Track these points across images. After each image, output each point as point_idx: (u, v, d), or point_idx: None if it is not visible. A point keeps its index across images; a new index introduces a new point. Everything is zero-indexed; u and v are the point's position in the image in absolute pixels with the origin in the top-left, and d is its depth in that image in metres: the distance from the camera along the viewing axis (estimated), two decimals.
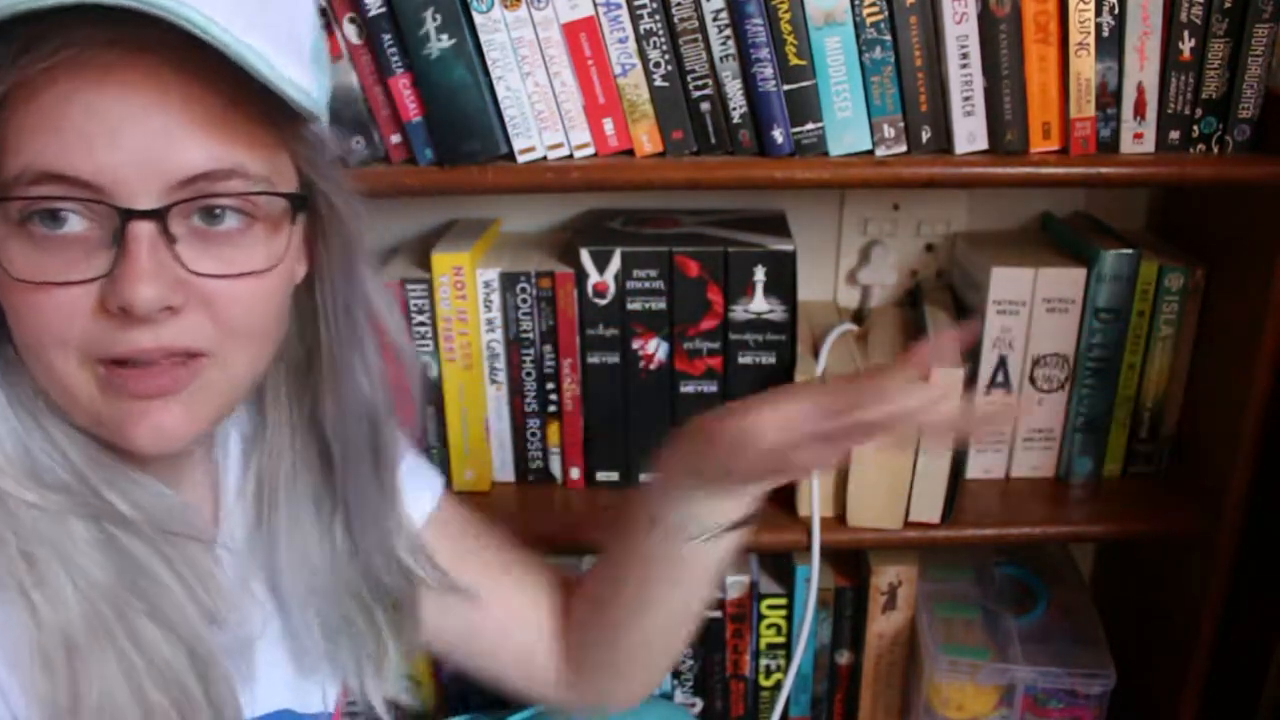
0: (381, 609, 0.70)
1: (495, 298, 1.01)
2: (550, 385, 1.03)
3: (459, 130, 0.85)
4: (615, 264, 0.99)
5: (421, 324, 1.00)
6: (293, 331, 0.63)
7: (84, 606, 0.53)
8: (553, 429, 1.05)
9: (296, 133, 0.57)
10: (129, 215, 0.50)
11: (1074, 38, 0.85)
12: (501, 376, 1.03)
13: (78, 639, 0.53)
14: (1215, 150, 0.89)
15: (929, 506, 0.99)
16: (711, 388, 1.02)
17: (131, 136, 0.49)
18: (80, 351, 0.52)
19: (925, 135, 0.87)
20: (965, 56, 0.85)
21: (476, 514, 0.82)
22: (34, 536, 0.53)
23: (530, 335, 1.01)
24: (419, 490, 0.77)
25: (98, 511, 0.55)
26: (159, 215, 0.50)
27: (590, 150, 0.87)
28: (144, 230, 0.50)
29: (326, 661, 0.69)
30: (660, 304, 1.00)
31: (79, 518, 0.55)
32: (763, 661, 1.14)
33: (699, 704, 1.16)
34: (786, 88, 0.85)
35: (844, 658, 1.15)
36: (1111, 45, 0.86)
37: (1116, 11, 0.85)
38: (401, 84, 0.85)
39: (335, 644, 0.69)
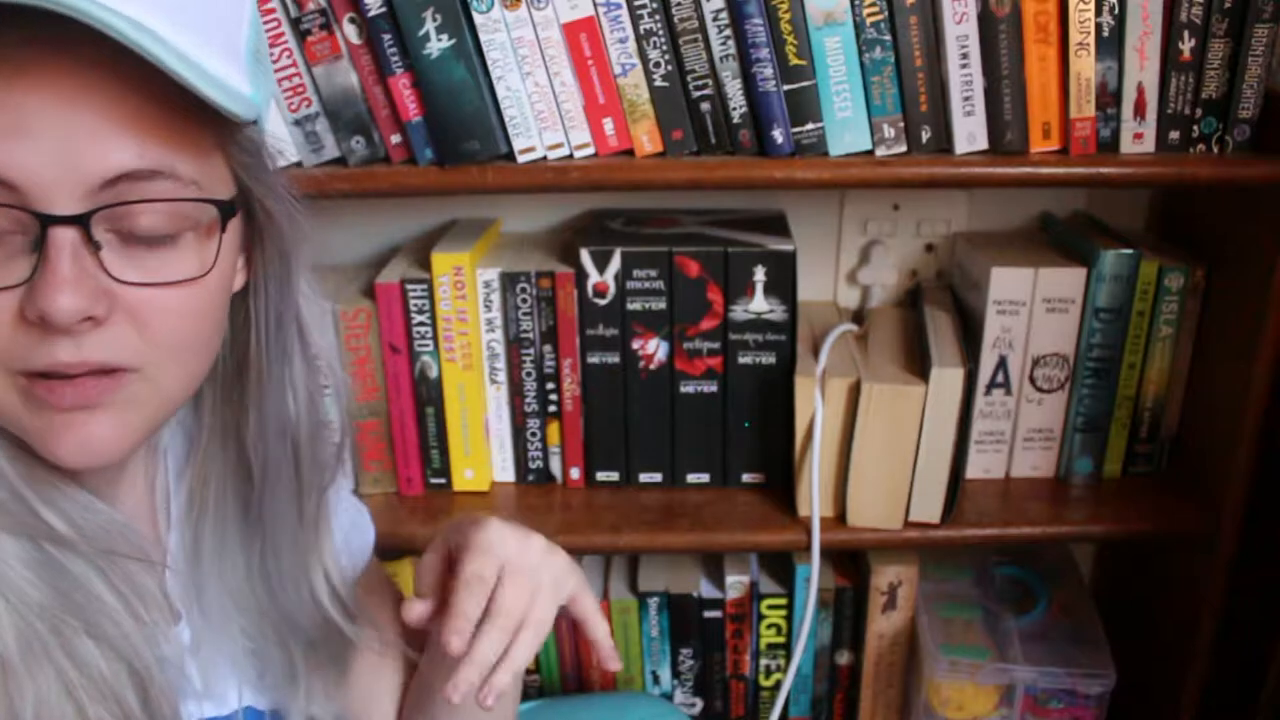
0: (297, 643, 0.67)
1: (495, 298, 1.01)
2: (550, 385, 1.03)
3: (459, 130, 0.85)
4: (615, 264, 0.99)
5: (421, 324, 1.00)
6: (226, 340, 0.61)
7: (18, 625, 0.52)
8: (553, 429, 1.05)
9: (233, 136, 0.54)
10: (49, 221, 0.47)
11: (1074, 38, 0.85)
12: (501, 376, 1.03)
13: (12, 658, 0.51)
14: (1215, 150, 0.89)
15: (929, 506, 0.99)
16: (711, 388, 1.03)
17: (48, 132, 0.46)
18: (1, 364, 0.49)
19: (925, 135, 0.87)
20: (965, 56, 0.85)
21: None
22: None
23: (530, 335, 1.01)
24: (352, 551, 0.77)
25: (33, 530, 0.53)
26: (81, 221, 0.47)
27: (590, 150, 0.87)
28: (65, 236, 0.47)
29: (256, 675, 0.67)
30: (660, 304, 1.00)
31: (12, 536, 0.53)
32: (763, 661, 1.14)
33: (699, 704, 1.16)
34: (786, 88, 0.85)
35: (844, 658, 1.15)
36: (1111, 45, 0.86)
37: (1116, 11, 0.85)
38: (401, 84, 0.85)
39: (261, 661, 0.67)
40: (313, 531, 0.67)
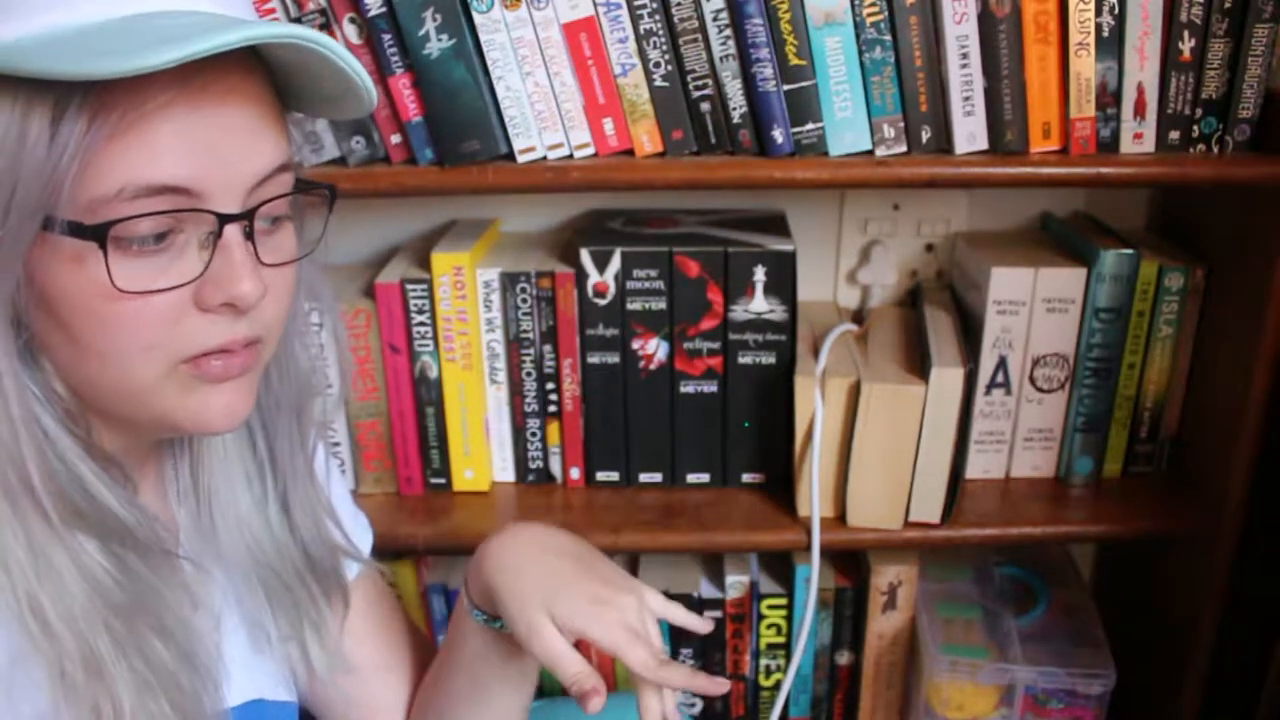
0: (315, 578, 0.72)
1: (495, 298, 1.01)
2: (550, 385, 1.03)
3: (459, 130, 0.85)
4: (615, 264, 0.99)
5: (421, 324, 1.00)
6: None
7: (108, 626, 0.55)
8: (553, 429, 1.05)
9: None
10: (226, 219, 0.53)
11: (1074, 38, 0.85)
12: (501, 376, 1.03)
13: (104, 659, 0.54)
14: (1215, 150, 0.89)
15: (929, 506, 0.99)
16: (711, 388, 1.03)
17: (221, 146, 0.52)
18: (168, 354, 0.54)
19: (925, 135, 0.87)
20: (965, 56, 0.85)
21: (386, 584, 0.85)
22: (56, 561, 0.54)
23: (530, 335, 1.01)
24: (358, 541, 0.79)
25: (112, 532, 0.56)
26: (249, 217, 0.54)
27: (590, 150, 0.87)
28: (237, 232, 0.54)
29: (275, 630, 0.70)
30: (660, 304, 1.00)
31: (95, 539, 0.56)
32: (763, 661, 1.14)
33: (699, 704, 1.16)
34: (786, 88, 0.85)
35: (844, 658, 1.15)
36: (1111, 45, 0.86)
37: (1116, 11, 0.85)
38: (401, 84, 0.85)
39: (277, 611, 0.70)
40: (315, 472, 0.72)
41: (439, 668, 0.80)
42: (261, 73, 0.55)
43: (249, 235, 0.54)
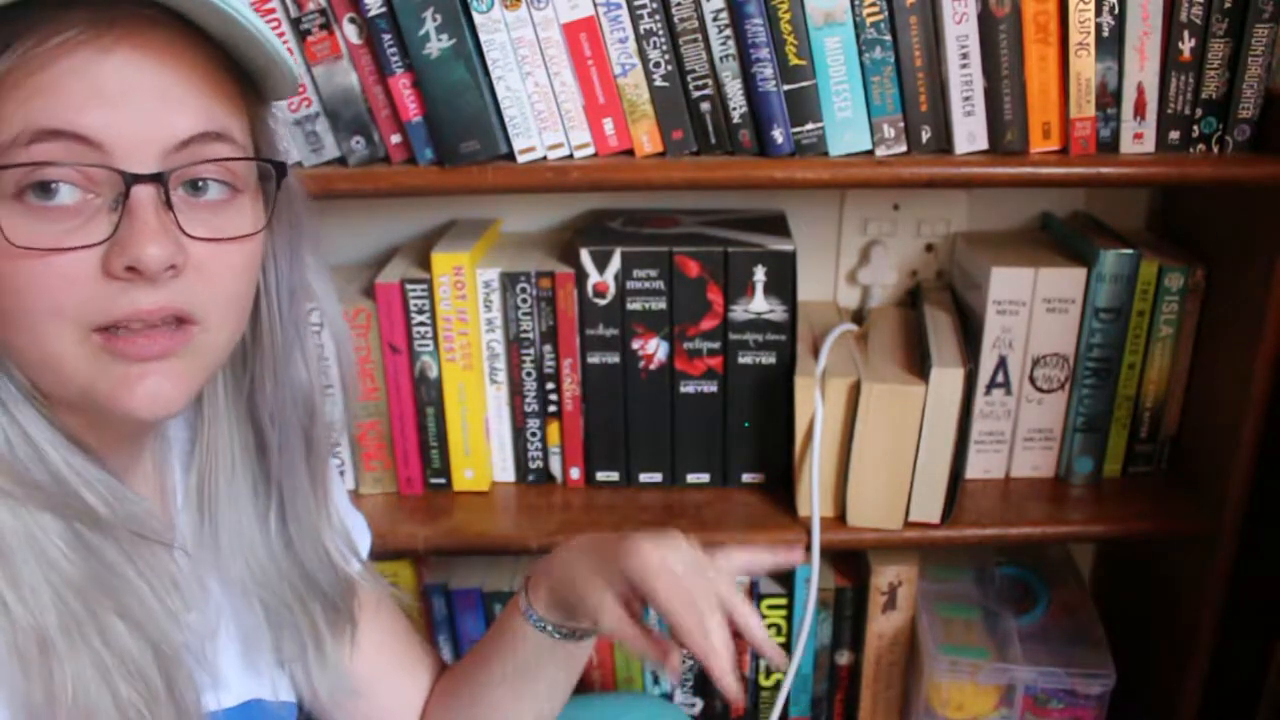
0: (317, 603, 0.70)
1: (495, 298, 1.01)
2: (550, 385, 1.03)
3: (459, 130, 0.85)
4: (615, 264, 0.99)
5: (421, 324, 1.00)
6: None
7: (58, 604, 0.53)
8: (553, 429, 1.05)
9: (257, 111, 0.59)
10: (134, 179, 0.51)
11: (1074, 38, 0.85)
12: (501, 376, 1.03)
13: (53, 636, 0.53)
14: (1215, 150, 0.89)
15: (929, 506, 0.99)
16: (711, 388, 1.03)
17: (131, 99, 0.51)
18: (77, 322, 0.52)
19: (925, 135, 0.87)
20: (965, 56, 0.85)
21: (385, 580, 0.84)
22: (8, 533, 0.53)
23: (530, 335, 1.01)
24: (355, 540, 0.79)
25: (74, 511, 0.55)
26: (161, 179, 0.52)
27: (590, 150, 0.87)
28: (147, 193, 0.51)
29: (273, 651, 0.69)
30: (660, 304, 1.00)
31: (53, 514, 0.55)
32: (763, 661, 1.14)
33: (699, 704, 1.16)
34: (786, 88, 0.85)
35: (844, 658, 1.15)
36: (1111, 45, 0.86)
37: (1116, 11, 0.85)
38: (401, 84, 0.85)
39: (278, 633, 0.69)
40: (322, 491, 0.71)
41: (478, 659, 0.79)
42: (198, 42, 0.53)
43: (167, 202, 0.52)
